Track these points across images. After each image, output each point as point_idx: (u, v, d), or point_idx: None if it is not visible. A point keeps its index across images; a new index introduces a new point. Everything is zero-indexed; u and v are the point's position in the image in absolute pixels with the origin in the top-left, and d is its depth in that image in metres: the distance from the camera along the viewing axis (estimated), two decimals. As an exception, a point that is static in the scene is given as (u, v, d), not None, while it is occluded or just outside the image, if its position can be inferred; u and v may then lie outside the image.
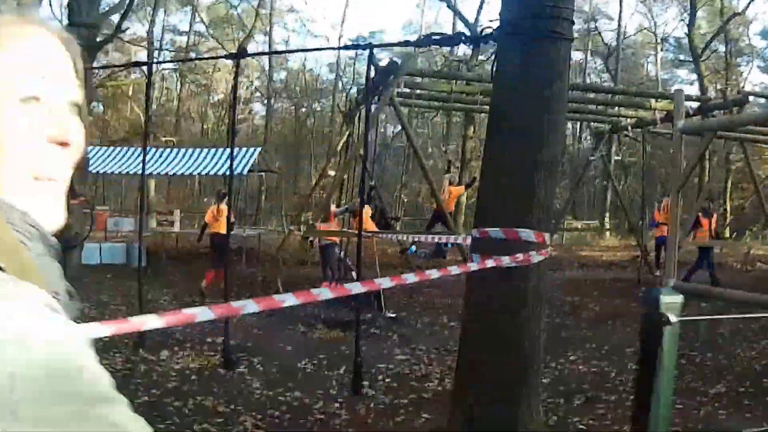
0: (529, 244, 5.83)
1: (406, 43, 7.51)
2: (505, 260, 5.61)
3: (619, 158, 24.04)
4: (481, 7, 41.63)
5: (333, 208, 17.12)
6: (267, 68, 51.78)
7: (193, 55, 44.25)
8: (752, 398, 8.26)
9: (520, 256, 5.68)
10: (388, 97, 15.22)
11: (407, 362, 10.21)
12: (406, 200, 49.20)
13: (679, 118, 12.43)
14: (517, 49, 6.01)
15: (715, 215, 19.85)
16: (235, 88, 10.75)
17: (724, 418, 7.62)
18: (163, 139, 41.47)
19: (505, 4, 6.12)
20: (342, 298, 10.64)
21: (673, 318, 3.26)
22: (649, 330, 3.71)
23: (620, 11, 41.90)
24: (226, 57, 9.25)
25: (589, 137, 27.41)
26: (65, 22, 16.59)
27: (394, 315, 13.67)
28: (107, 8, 18.70)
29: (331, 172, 20.20)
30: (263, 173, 26.39)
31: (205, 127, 54.91)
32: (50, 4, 21.55)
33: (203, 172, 24.96)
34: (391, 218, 18.61)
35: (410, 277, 6.23)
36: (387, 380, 9.13)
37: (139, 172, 25.10)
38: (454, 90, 17.63)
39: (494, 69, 6.28)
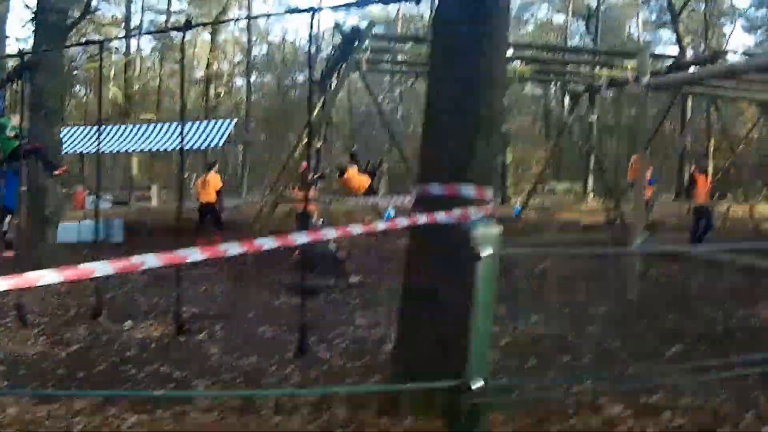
0: (470, 200, 5.78)
1: (348, 5, 7.42)
2: (440, 216, 5.55)
3: (595, 118, 23.72)
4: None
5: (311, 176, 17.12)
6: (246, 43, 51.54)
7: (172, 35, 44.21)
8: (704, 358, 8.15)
9: (457, 212, 5.62)
10: (354, 63, 15.20)
11: (366, 326, 10.15)
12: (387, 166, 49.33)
13: (644, 75, 12.50)
14: (455, 3, 5.99)
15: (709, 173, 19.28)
16: (182, 61, 10.61)
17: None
18: (141, 117, 41.47)
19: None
20: (308, 264, 10.70)
21: (486, 251, 3.18)
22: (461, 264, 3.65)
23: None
24: (173, 29, 9.14)
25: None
26: (34, 6, 16.55)
27: (358, 280, 13.61)
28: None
29: (305, 141, 20.14)
30: (241, 145, 26.45)
31: (186, 103, 54.73)
32: None
33: (174, 147, 24.91)
34: (376, 168, 18.54)
35: (356, 229, 6.17)
36: (344, 344, 9.12)
37: (116, 150, 25.57)
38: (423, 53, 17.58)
39: (433, 24, 6.27)
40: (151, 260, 4.35)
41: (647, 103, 12.93)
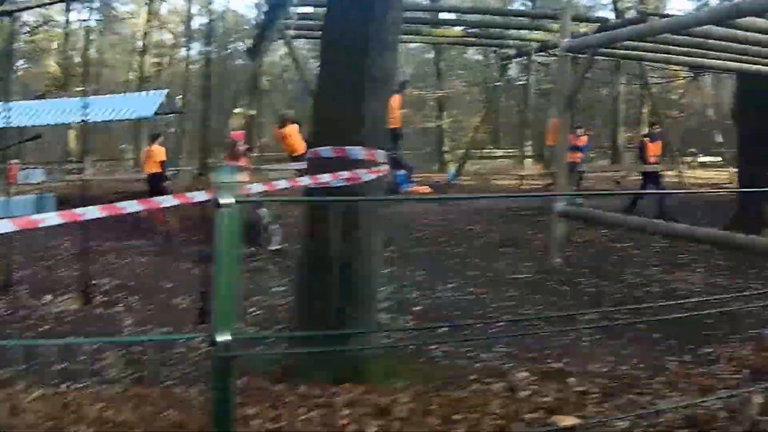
0: (359, 162, 5.78)
1: None
2: (325, 177, 5.56)
3: (525, 82, 23.91)
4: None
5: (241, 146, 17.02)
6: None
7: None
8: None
9: (344, 174, 5.62)
10: (278, 29, 15.13)
11: (281, 294, 10.07)
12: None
13: (565, 36, 12.52)
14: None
15: (659, 140, 19.04)
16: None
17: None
18: (76, 89, 41.07)
19: None
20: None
21: (225, 200, 3.14)
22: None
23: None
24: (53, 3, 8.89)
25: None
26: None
27: (278, 247, 13.57)
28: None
29: (238, 110, 20.08)
30: (172, 115, 26.24)
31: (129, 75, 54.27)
32: None
33: (105, 119, 24.73)
34: None
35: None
36: (257, 312, 9.09)
37: (51, 123, 25.23)
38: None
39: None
40: (52, 219, 4.36)
41: (568, 66, 12.96)
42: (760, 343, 7.08)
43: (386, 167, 6.00)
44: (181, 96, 42.81)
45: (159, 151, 18.20)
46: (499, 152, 39.33)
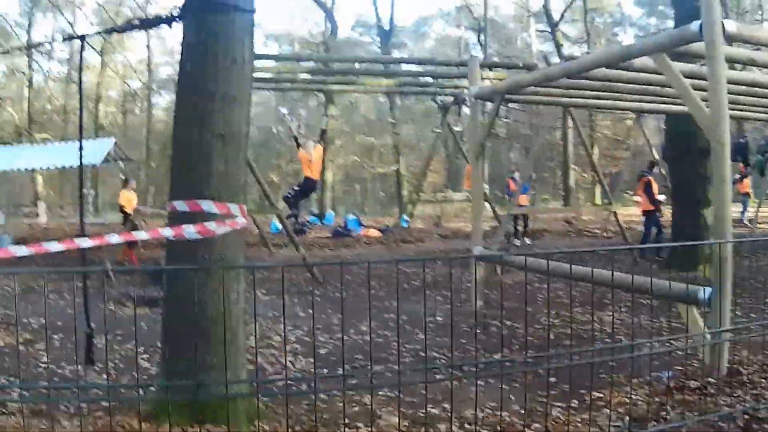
0: (213, 215, 5.91)
1: (113, 30, 7.54)
2: (167, 232, 5.69)
3: (460, 129, 24.21)
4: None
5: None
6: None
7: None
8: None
9: (191, 228, 5.74)
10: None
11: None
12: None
13: (474, 84, 12.69)
14: (193, 24, 6.13)
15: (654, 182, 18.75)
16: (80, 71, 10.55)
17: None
18: (38, 135, 41.36)
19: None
20: (153, 276, 10.91)
21: None
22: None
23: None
24: (66, 39, 9.14)
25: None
26: None
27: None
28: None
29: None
30: (121, 161, 26.30)
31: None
32: None
33: (56, 165, 24.97)
34: None
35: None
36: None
37: (6, 168, 25.31)
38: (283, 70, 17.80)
39: (181, 45, 6.33)
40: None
41: (477, 112, 13.12)
42: (654, 387, 7.12)
43: (242, 220, 6.08)
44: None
45: (125, 197, 18.71)
46: (458, 195, 39.53)
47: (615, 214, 20.36)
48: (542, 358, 7.84)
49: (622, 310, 11.69)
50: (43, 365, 8.75)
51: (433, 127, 48.04)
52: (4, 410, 6.81)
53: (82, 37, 7.62)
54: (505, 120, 36.12)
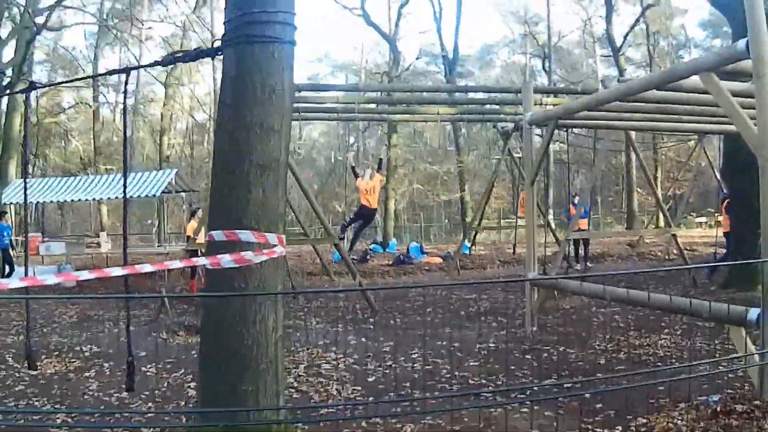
0: (251, 244, 5.98)
1: (156, 63, 7.65)
2: (202, 260, 5.77)
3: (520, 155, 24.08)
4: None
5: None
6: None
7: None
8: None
9: (227, 257, 5.83)
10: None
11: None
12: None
13: (528, 110, 12.68)
14: (232, 56, 6.20)
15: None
16: (124, 104, 10.73)
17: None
18: (102, 167, 42.05)
19: (226, 15, 6.30)
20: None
21: None
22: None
23: (548, 12, 41.94)
24: (110, 73, 9.23)
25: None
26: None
27: None
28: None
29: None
30: (183, 193, 26.67)
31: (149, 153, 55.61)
32: None
33: (117, 196, 25.50)
34: None
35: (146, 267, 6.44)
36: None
37: (68, 199, 25.91)
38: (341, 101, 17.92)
39: (222, 75, 6.43)
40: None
41: (531, 137, 13.10)
42: (701, 412, 7.01)
43: (281, 249, 6.13)
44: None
45: (190, 227, 18.89)
46: (523, 221, 39.32)
47: (674, 236, 20.06)
48: (589, 383, 7.83)
49: (677, 332, 11.51)
50: (90, 393, 8.97)
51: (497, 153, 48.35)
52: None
53: (127, 71, 7.76)
54: (563, 144, 35.86)
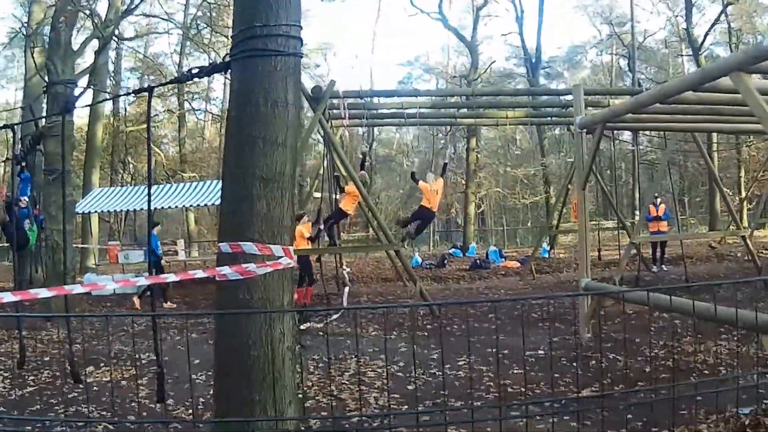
0: (255, 256, 6.07)
1: (173, 81, 7.88)
2: (226, 271, 5.91)
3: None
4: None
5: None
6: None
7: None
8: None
9: (228, 269, 5.94)
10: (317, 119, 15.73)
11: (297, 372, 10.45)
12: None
13: (579, 113, 12.52)
14: (237, 70, 6.33)
15: None
16: (148, 120, 10.98)
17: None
18: (185, 175, 42.72)
19: (233, 29, 6.45)
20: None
21: None
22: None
23: (632, 13, 41.28)
24: (137, 92, 9.57)
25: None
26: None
27: (305, 327, 14.36)
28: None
29: (317, 194, 20.48)
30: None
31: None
32: (34, 66, 22.97)
33: (191, 204, 26.01)
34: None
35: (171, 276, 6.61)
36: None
37: (138, 208, 26.48)
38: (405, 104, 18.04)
39: (230, 90, 6.54)
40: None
41: (583, 140, 12.93)
42: (732, 424, 6.81)
43: (287, 261, 6.18)
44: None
45: (301, 231, 18.82)
46: (608, 223, 38.92)
47: (744, 238, 19.67)
48: (625, 394, 7.72)
49: (734, 338, 11.18)
50: (137, 401, 9.08)
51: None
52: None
53: (150, 89, 7.92)
54: (631, 147, 35.49)
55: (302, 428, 6.53)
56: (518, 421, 7.29)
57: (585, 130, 12.72)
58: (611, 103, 16.50)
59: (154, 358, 11.30)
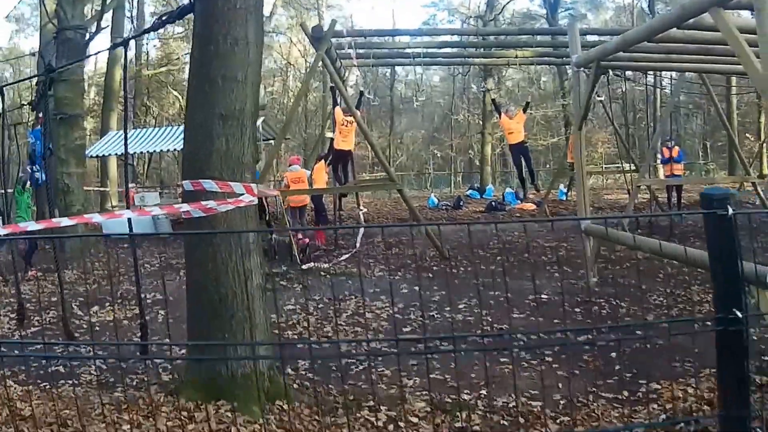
0: (215, 194, 6.04)
1: (146, 30, 7.99)
2: (156, 210, 5.92)
3: (602, 99, 23.11)
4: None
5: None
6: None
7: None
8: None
9: (187, 207, 5.94)
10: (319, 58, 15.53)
11: (293, 312, 10.63)
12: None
13: (575, 53, 12.14)
14: (199, 12, 6.35)
15: None
16: (124, 73, 10.87)
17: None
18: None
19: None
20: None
21: None
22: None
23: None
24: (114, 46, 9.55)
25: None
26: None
27: (307, 267, 14.27)
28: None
29: (329, 134, 20.27)
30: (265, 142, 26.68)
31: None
32: (46, 13, 22.78)
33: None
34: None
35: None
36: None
37: (157, 149, 26.33)
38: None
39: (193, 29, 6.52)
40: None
41: (579, 80, 12.60)
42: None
43: (249, 198, 6.09)
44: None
45: (316, 173, 19.02)
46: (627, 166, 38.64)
47: (754, 185, 19.46)
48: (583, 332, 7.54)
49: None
50: (135, 339, 8.86)
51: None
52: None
53: (125, 43, 8.08)
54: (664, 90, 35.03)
55: (277, 366, 6.34)
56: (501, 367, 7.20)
57: (582, 69, 12.35)
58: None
59: (160, 298, 11.36)
